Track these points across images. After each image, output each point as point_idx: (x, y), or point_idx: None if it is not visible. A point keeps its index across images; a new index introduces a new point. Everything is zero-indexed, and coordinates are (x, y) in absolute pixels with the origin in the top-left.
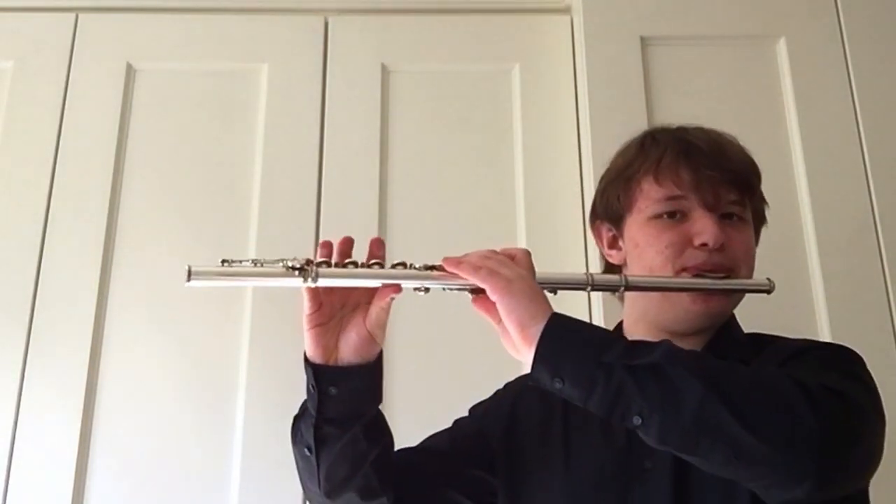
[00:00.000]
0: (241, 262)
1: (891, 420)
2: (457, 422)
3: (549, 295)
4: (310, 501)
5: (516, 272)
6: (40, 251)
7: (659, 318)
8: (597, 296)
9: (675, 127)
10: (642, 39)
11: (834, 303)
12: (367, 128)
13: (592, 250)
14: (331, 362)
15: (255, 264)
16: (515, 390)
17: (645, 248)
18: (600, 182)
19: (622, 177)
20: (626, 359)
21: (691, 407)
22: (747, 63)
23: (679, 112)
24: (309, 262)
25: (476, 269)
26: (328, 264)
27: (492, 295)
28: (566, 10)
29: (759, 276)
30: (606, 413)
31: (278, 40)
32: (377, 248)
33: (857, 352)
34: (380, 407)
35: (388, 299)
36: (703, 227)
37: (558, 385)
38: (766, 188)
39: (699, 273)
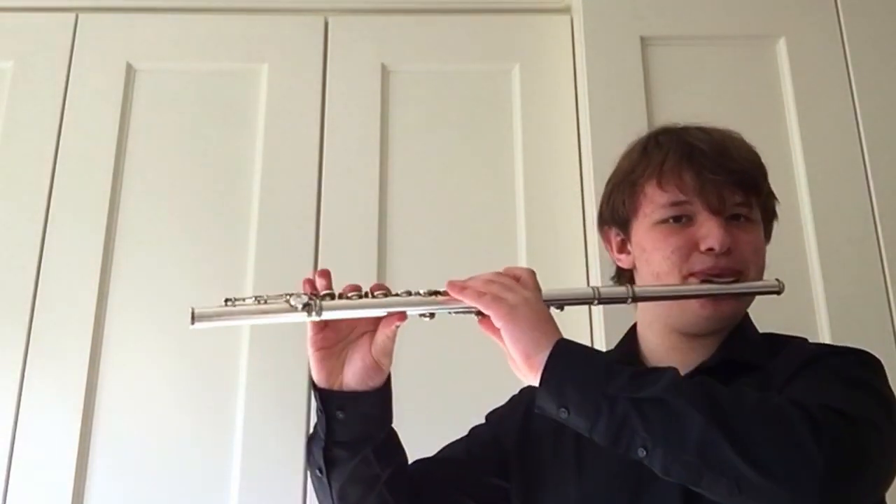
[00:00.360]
0: (244, 300)
1: None
2: (473, 429)
3: (555, 311)
4: None
5: (521, 296)
6: (40, 251)
7: (671, 321)
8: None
9: (678, 128)
10: (642, 39)
11: (834, 303)
12: (367, 128)
13: (592, 250)
14: (336, 387)
15: (258, 301)
16: (530, 396)
17: (651, 253)
18: (606, 186)
19: (627, 181)
20: (630, 391)
21: (694, 441)
22: (747, 63)
23: (679, 112)
24: (313, 295)
25: (479, 295)
26: (332, 296)
27: (496, 322)
28: (566, 10)
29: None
30: (611, 444)
31: (278, 40)
32: (378, 285)
33: (874, 354)
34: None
35: (393, 327)
36: (709, 232)
37: (563, 415)
38: None
39: (706, 278)
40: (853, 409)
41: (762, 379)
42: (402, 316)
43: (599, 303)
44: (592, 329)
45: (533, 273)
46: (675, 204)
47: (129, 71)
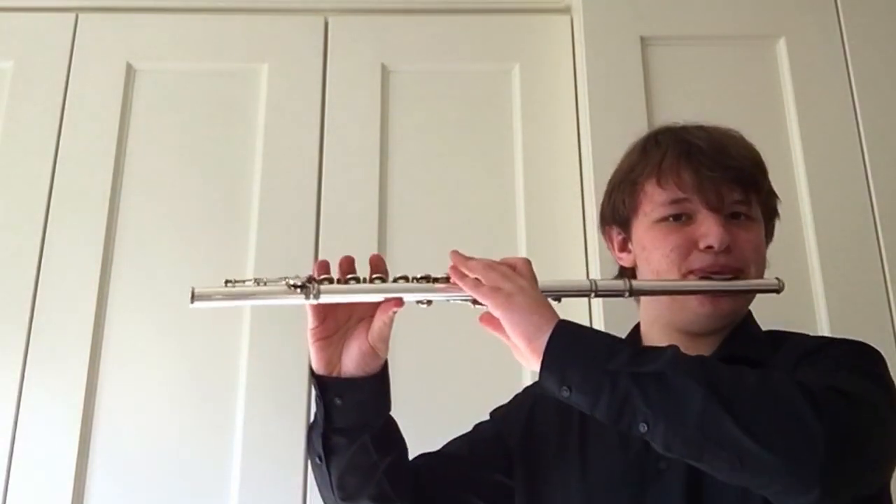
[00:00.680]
0: (243, 281)
1: None
2: (477, 426)
3: (553, 303)
4: None
5: (517, 285)
6: (40, 251)
7: (672, 320)
8: (597, 300)
9: (678, 126)
10: (642, 39)
11: (834, 303)
12: (367, 128)
13: (592, 250)
14: (334, 374)
15: (258, 283)
16: (534, 394)
17: (651, 251)
18: (607, 186)
19: (627, 180)
20: (631, 366)
21: (694, 415)
22: (747, 63)
23: (679, 112)
24: (311, 279)
25: (476, 285)
26: (330, 281)
27: (494, 311)
28: (566, 10)
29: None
30: (613, 421)
31: (278, 40)
32: (378, 263)
33: (874, 347)
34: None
35: (390, 313)
36: (708, 230)
37: (566, 393)
38: None
39: (706, 275)
40: (855, 391)
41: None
42: (399, 302)
43: (597, 295)
44: (592, 326)
45: (529, 262)
46: (674, 202)
47: (129, 71)
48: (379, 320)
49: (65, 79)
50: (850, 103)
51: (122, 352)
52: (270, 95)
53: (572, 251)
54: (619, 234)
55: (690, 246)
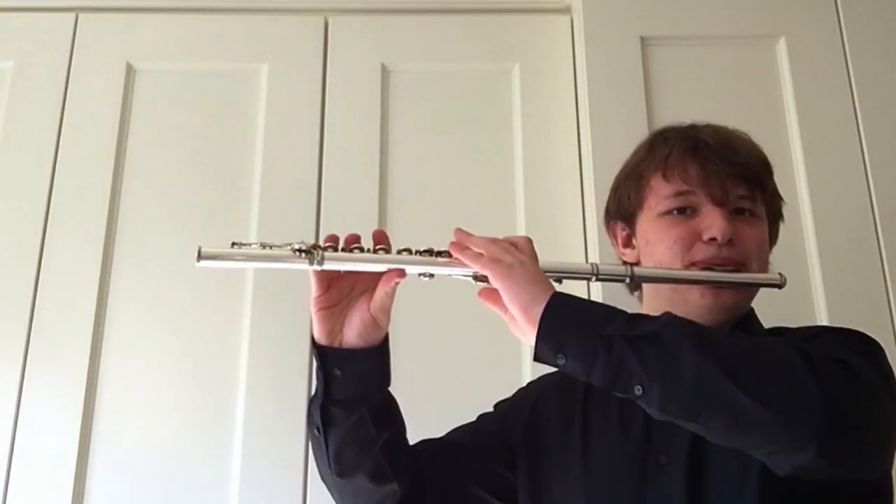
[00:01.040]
0: (249, 244)
1: None
2: (480, 417)
3: (553, 285)
4: (323, 482)
5: (517, 258)
6: (40, 251)
7: (674, 312)
8: (597, 290)
9: (686, 125)
10: (642, 39)
11: (834, 303)
12: (367, 128)
13: (592, 250)
14: (335, 344)
15: (264, 247)
16: (538, 389)
17: (655, 244)
18: (614, 181)
19: (633, 175)
20: (626, 330)
21: (690, 374)
22: (747, 63)
23: (679, 112)
24: (316, 245)
25: (477, 256)
26: (335, 249)
27: (494, 282)
28: (566, 10)
29: None
30: (609, 385)
31: (278, 40)
32: (381, 237)
33: (877, 340)
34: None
35: (392, 284)
36: (712, 222)
37: (561, 361)
38: None
39: (708, 267)
40: (852, 364)
41: None
42: (402, 273)
43: (598, 279)
44: None
45: (530, 241)
46: (679, 194)
47: (129, 71)
48: (381, 291)
49: (65, 79)
50: (850, 103)
51: (122, 351)
52: (270, 95)
53: (572, 251)
54: (624, 229)
55: (694, 238)
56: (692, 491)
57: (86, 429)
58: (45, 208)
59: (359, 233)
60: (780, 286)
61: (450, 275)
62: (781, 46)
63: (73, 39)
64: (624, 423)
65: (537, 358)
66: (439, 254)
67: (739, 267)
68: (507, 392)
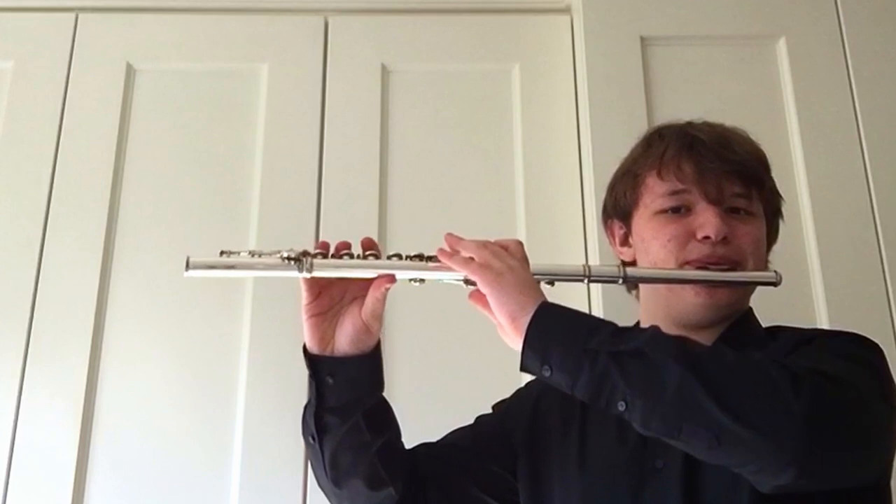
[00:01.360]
0: (238, 252)
1: None
2: (479, 419)
3: (546, 287)
4: (321, 489)
5: (507, 264)
6: (40, 251)
7: (670, 313)
8: (596, 291)
9: (682, 123)
10: (642, 39)
11: (834, 302)
12: (367, 128)
13: (592, 250)
14: (327, 352)
15: (253, 255)
16: (537, 389)
17: (650, 242)
18: (611, 180)
19: (629, 174)
20: (610, 345)
21: (671, 391)
22: (747, 63)
23: (679, 112)
24: (305, 252)
25: (467, 262)
26: (324, 255)
27: (482, 288)
28: (566, 10)
29: None
30: (592, 399)
31: (278, 40)
32: (370, 244)
33: (874, 341)
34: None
35: (383, 290)
36: (706, 220)
37: (546, 373)
38: None
39: (702, 266)
40: (839, 374)
41: None
42: (392, 279)
43: (590, 281)
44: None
45: (520, 244)
46: (673, 193)
47: (129, 71)
48: (372, 297)
49: (65, 79)
50: (850, 103)
51: (122, 351)
52: (270, 95)
53: (572, 251)
54: (621, 227)
55: (688, 236)
56: (687, 494)
57: (86, 429)
58: (45, 208)
59: (353, 237)
60: (775, 284)
61: (440, 280)
62: (781, 46)
63: (73, 39)
64: (621, 426)
65: (523, 368)
66: (429, 259)
67: (734, 265)
68: (506, 393)
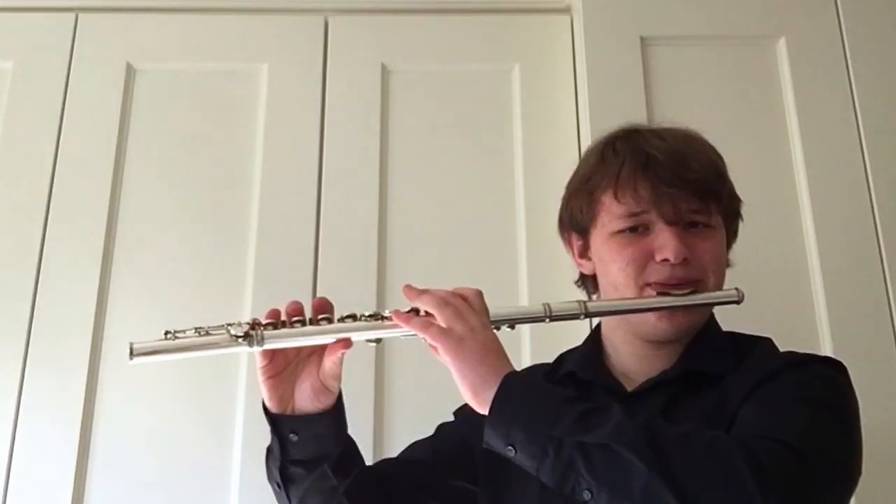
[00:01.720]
0: (184, 331)
1: (887, 420)
2: (440, 428)
3: (507, 330)
4: None
5: (469, 325)
6: (40, 251)
7: (632, 328)
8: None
9: (636, 132)
10: (642, 39)
11: (834, 303)
12: (367, 128)
13: None
14: (287, 411)
15: (199, 332)
16: None
17: (609, 263)
18: (565, 191)
19: (584, 190)
20: (576, 434)
21: (638, 488)
22: (747, 63)
23: (679, 112)
24: (255, 324)
25: (426, 326)
26: (274, 326)
27: (443, 356)
28: (566, 10)
29: (754, 273)
30: (557, 486)
31: (278, 40)
32: (322, 306)
33: (840, 362)
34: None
35: (339, 353)
36: (665, 242)
37: (511, 453)
38: (767, 188)
39: (663, 290)
40: (805, 440)
41: (722, 391)
42: (348, 343)
43: (551, 320)
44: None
45: (480, 294)
46: (631, 215)
47: (129, 71)
48: (328, 361)
49: (65, 79)
50: (850, 103)
51: (122, 351)
52: (270, 95)
53: None
54: (579, 240)
55: (647, 258)
56: None
57: (86, 429)
58: (45, 208)
59: (353, 237)
60: (737, 302)
61: (398, 336)
62: (781, 46)
63: (73, 39)
64: None
65: (485, 444)
66: (385, 317)
67: (696, 285)
68: None
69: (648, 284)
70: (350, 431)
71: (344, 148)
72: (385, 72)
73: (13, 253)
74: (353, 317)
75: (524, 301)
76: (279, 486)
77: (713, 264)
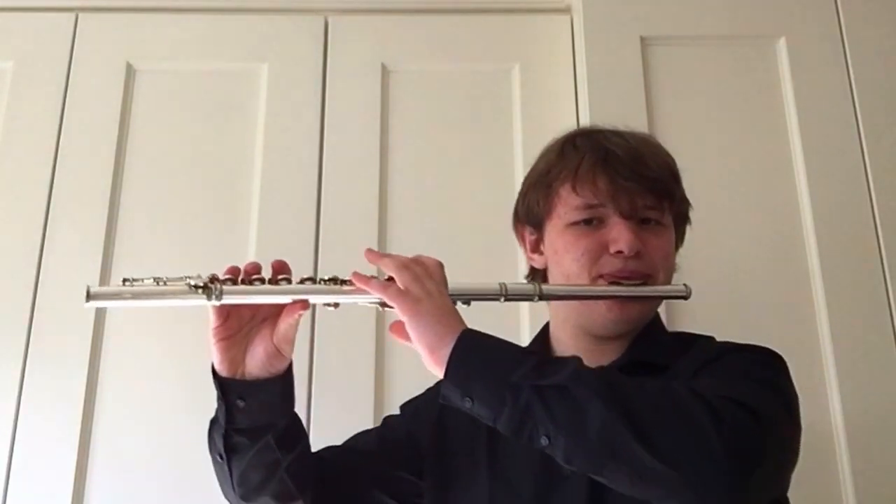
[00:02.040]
0: (142, 280)
1: (887, 420)
2: (386, 420)
3: (462, 307)
4: (228, 501)
5: (426, 289)
6: (40, 251)
7: (580, 322)
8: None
9: (596, 130)
10: (642, 39)
11: (834, 303)
12: (367, 128)
13: None
14: (237, 376)
15: (158, 282)
16: None
17: (563, 254)
18: (522, 185)
19: (542, 183)
20: (533, 379)
21: (595, 429)
22: (747, 63)
23: (679, 112)
24: (213, 279)
25: (384, 287)
26: (234, 282)
27: (401, 315)
28: (566, 10)
29: (755, 273)
30: (515, 433)
31: (278, 40)
32: (281, 267)
33: (779, 353)
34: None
35: (296, 315)
36: (619, 235)
37: (468, 404)
38: (767, 188)
39: (615, 280)
40: (753, 403)
41: (668, 379)
42: (305, 304)
43: (506, 299)
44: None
45: (441, 265)
46: (587, 207)
47: (129, 71)
48: (284, 322)
49: (65, 79)
50: (850, 103)
51: (122, 351)
52: (270, 95)
53: None
54: (532, 234)
55: (601, 250)
56: (594, 502)
57: (86, 429)
58: (45, 208)
59: (353, 236)
60: (685, 297)
61: (356, 303)
62: (781, 46)
63: (73, 39)
64: None
65: (443, 399)
66: (344, 282)
67: (646, 279)
68: None
69: (601, 276)
70: (350, 426)
71: (344, 148)
72: (385, 72)
73: (13, 253)
74: (313, 280)
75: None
76: (221, 458)
77: (664, 261)
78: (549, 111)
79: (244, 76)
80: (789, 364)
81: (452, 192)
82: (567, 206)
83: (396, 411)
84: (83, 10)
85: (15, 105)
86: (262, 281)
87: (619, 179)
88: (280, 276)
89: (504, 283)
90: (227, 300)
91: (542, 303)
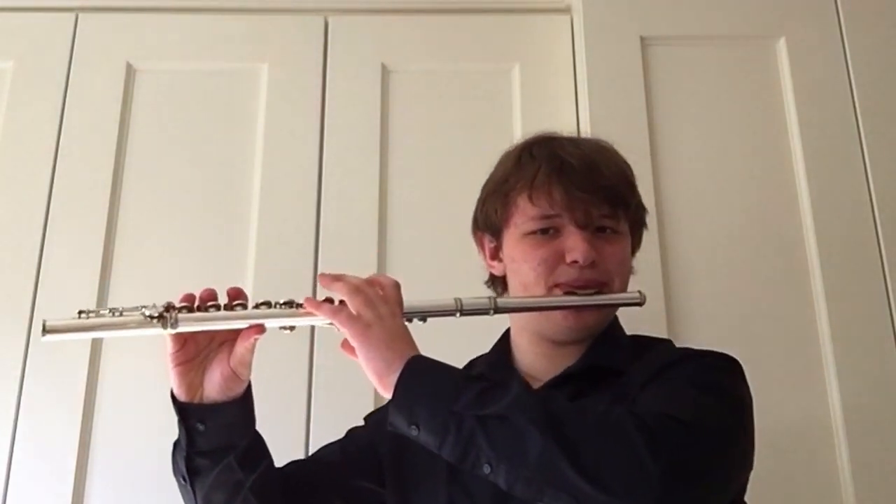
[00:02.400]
0: (98, 311)
1: (886, 416)
2: (350, 431)
3: (418, 323)
4: None
5: (378, 313)
6: (40, 251)
7: (539, 329)
8: None
9: (552, 139)
10: (642, 39)
11: (834, 303)
12: (367, 128)
13: None
14: (196, 400)
15: (113, 313)
16: None
17: (520, 263)
18: (481, 192)
19: (500, 192)
20: (476, 408)
21: (534, 458)
22: (747, 63)
23: (679, 112)
24: (169, 307)
25: (335, 312)
26: (189, 309)
27: (351, 341)
28: (566, 10)
29: (755, 273)
30: (458, 461)
31: (278, 40)
32: (237, 294)
33: (735, 358)
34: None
35: (251, 339)
36: (575, 245)
37: (414, 432)
38: (767, 188)
39: (570, 290)
40: (697, 418)
41: (624, 383)
42: (261, 329)
43: (462, 314)
44: None
45: (397, 285)
46: (544, 217)
47: (129, 71)
48: (240, 346)
49: (65, 79)
50: (850, 103)
51: (122, 351)
52: (270, 95)
53: None
54: (491, 241)
55: (557, 259)
56: None
57: (86, 429)
58: (45, 208)
59: (353, 236)
60: (640, 304)
61: (311, 325)
62: (781, 46)
63: (73, 39)
64: None
65: (390, 426)
66: (300, 305)
67: (602, 287)
68: None
69: (557, 285)
70: (350, 427)
71: (344, 148)
72: (385, 72)
73: (13, 253)
74: (268, 304)
75: None
76: (184, 480)
77: (619, 268)
78: (548, 111)
79: (244, 76)
80: (789, 364)
81: (452, 192)
82: (524, 215)
83: None
84: (83, 10)
85: (15, 105)
86: (218, 307)
87: (574, 190)
88: (235, 302)
89: (459, 299)
90: (183, 328)
91: None
